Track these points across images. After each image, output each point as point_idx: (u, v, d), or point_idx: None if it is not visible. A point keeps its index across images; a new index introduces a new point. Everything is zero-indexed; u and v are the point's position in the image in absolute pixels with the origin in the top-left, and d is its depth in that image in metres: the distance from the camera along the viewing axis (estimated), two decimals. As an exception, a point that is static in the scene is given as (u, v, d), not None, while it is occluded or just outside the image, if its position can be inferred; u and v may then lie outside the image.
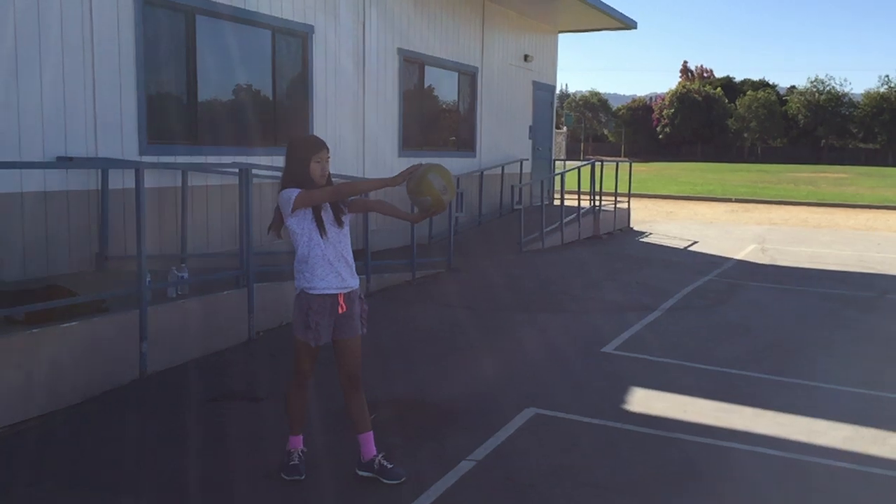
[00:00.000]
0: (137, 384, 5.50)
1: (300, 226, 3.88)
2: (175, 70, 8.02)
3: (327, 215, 3.91)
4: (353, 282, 3.99)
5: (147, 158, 7.52)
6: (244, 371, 6.03)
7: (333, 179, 4.04)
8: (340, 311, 3.94)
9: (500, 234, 12.83)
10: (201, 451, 4.45)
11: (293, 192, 3.83)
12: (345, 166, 10.18)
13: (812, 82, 72.45)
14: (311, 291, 3.91)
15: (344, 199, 4.02)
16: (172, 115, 8.08)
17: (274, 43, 9.20)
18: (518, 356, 6.61)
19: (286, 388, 4.18)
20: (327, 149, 3.95)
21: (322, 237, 3.89)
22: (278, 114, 9.40)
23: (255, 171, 6.99)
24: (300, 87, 9.71)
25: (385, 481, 3.99)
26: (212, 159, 8.29)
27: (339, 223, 3.94)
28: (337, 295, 3.93)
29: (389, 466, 4.03)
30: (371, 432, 4.09)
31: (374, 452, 4.06)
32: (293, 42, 9.53)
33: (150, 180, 6.96)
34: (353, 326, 4.00)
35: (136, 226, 5.61)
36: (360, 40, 10.69)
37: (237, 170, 7.07)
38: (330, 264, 3.91)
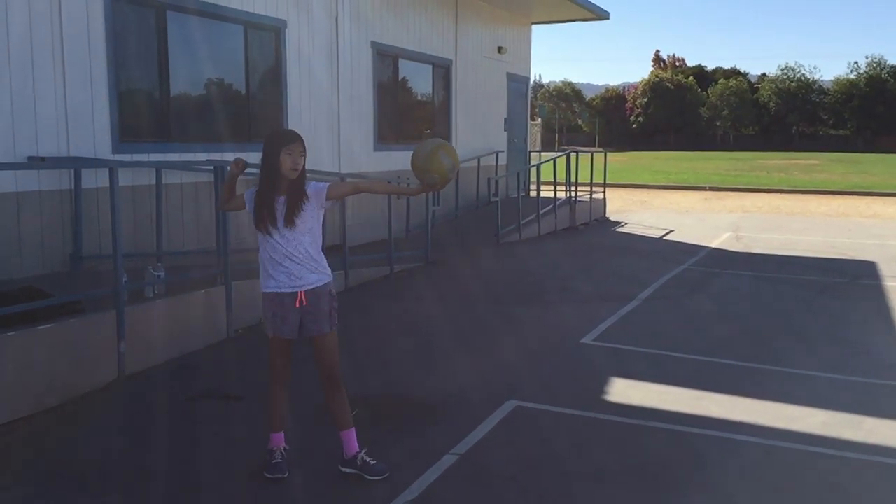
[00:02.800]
0: (116, 385, 5.45)
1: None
2: (147, 67, 7.93)
3: (279, 215, 3.87)
4: (313, 278, 3.94)
5: (120, 157, 7.44)
6: (224, 370, 6.00)
7: (309, 175, 4.02)
8: (297, 305, 3.92)
9: (477, 227, 12.85)
10: (183, 451, 4.43)
11: (322, 185, 3.92)
12: (320, 161, 10.14)
13: (782, 70, 73.11)
14: (262, 290, 3.99)
15: (354, 193, 4.11)
16: (145, 113, 8.00)
17: (246, 38, 9.13)
18: (497, 349, 6.64)
19: (268, 386, 4.18)
20: (300, 142, 3.90)
21: (266, 237, 3.90)
22: (252, 109, 9.34)
23: (229, 168, 6.92)
24: (274, 83, 9.65)
25: (368, 477, 4.00)
26: (186, 156, 8.21)
27: (290, 223, 3.86)
28: (294, 293, 3.91)
29: (372, 462, 4.04)
30: (353, 429, 4.09)
31: (357, 449, 4.07)
32: (266, 37, 9.46)
33: (124, 179, 6.87)
34: (320, 324, 3.97)
35: (110, 225, 5.55)
36: (333, 34, 10.63)
37: (212, 167, 7.02)
38: (277, 263, 3.91)
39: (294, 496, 3.95)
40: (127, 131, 7.60)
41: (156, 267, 6.29)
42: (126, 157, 7.53)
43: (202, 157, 8.33)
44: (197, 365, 6.01)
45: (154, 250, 7.37)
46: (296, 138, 3.91)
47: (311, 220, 3.93)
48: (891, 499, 4.06)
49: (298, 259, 3.90)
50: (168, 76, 8.09)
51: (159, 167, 7.50)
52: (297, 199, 3.87)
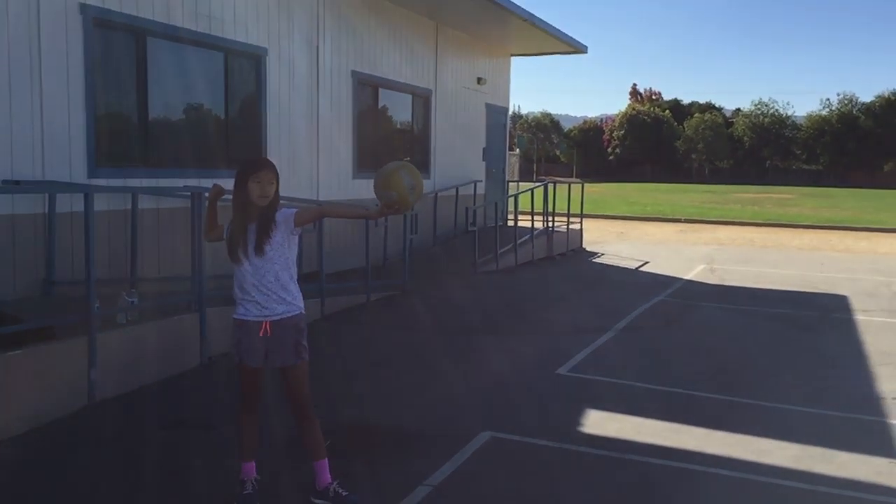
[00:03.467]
0: (86, 412, 5.36)
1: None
2: (125, 92, 7.91)
3: (250, 243, 3.85)
4: (280, 309, 3.90)
5: (96, 181, 7.39)
6: (197, 398, 5.92)
7: (286, 202, 4.01)
8: (262, 334, 3.89)
9: (455, 256, 12.87)
10: (152, 481, 4.35)
11: (290, 212, 3.89)
12: (299, 188, 10.13)
13: (756, 105, 74.44)
14: (233, 315, 3.99)
15: (319, 218, 4.04)
16: (122, 138, 7.96)
17: (227, 65, 9.15)
18: (473, 379, 6.62)
19: (237, 415, 4.13)
20: (269, 169, 3.88)
21: (238, 266, 3.90)
22: (231, 136, 9.33)
23: (206, 194, 6.90)
24: (253, 109, 9.66)
25: None
26: (162, 182, 8.17)
27: (260, 251, 3.84)
28: (259, 322, 3.89)
29: (344, 494, 3.99)
30: (325, 460, 4.05)
31: (329, 480, 4.03)
32: (246, 64, 9.48)
33: (100, 204, 6.83)
34: (284, 356, 3.93)
35: (84, 250, 5.50)
36: (314, 62, 10.68)
37: (189, 193, 6.99)
38: (246, 292, 3.90)
39: (265, 528, 3.89)
40: (103, 156, 7.55)
41: (129, 293, 6.23)
42: (102, 182, 7.47)
43: (179, 182, 8.30)
44: (170, 392, 5.94)
45: (128, 276, 7.31)
46: (264, 166, 3.90)
47: (282, 247, 3.90)
48: (862, 533, 4.07)
49: (266, 289, 3.87)
50: (147, 101, 8.07)
51: (135, 192, 7.46)
52: (266, 227, 3.85)
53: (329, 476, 4.04)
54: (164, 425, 5.21)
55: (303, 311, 4.02)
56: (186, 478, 4.42)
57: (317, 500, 4.02)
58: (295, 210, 3.96)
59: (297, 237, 3.99)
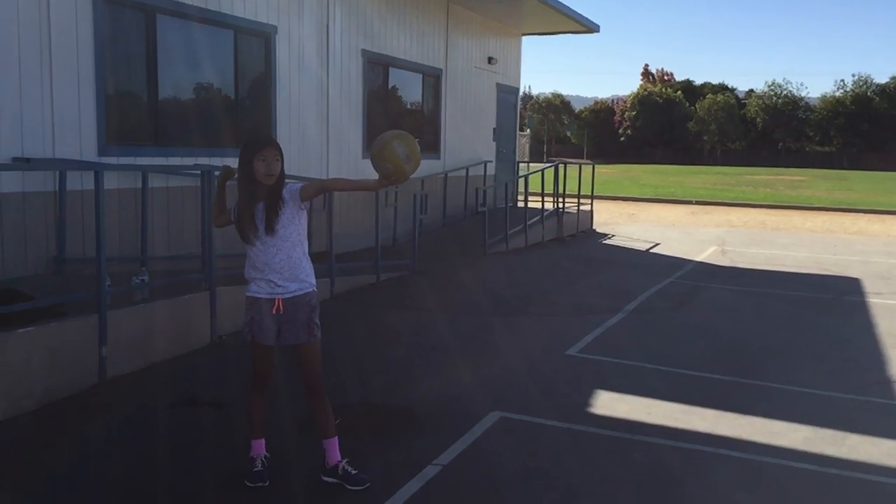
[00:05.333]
0: (97, 389, 5.39)
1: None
2: (135, 70, 7.89)
3: (260, 223, 3.84)
4: (292, 287, 3.89)
5: (106, 159, 7.39)
6: (207, 376, 5.94)
7: (288, 180, 3.98)
8: (274, 312, 3.89)
9: (465, 237, 12.84)
10: (161, 458, 4.38)
11: (296, 186, 3.86)
12: (308, 167, 10.11)
13: (770, 86, 73.82)
14: (245, 293, 3.98)
15: (324, 192, 4.01)
16: (132, 116, 7.95)
17: (236, 43, 9.11)
18: (482, 359, 6.62)
19: (247, 393, 4.14)
20: (273, 146, 3.85)
21: (248, 244, 3.88)
22: (240, 114, 9.31)
23: (216, 173, 6.89)
24: (263, 88, 9.62)
25: (349, 487, 3.96)
26: (172, 160, 8.17)
27: (271, 230, 3.82)
28: (271, 300, 3.89)
29: (353, 472, 4.00)
30: (335, 438, 4.06)
31: (339, 458, 4.04)
32: (256, 42, 9.44)
33: (110, 182, 6.84)
34: (297, 334, 3.92)
35: (95, 228, 5.50)
36: (323, 41, 10.62)
37: (199, 171, 6.98)
38: (258, 270, 3.89)
39: (274, 505, 3.91)
40: (114, 134, 7.55)
41: (140, 271, 6.24)
42: (112, 160, 7.47)
43: (189, 160, 8.29)
44: (180, 370, 5.96)
45: (138, 254, 7.32)
46: (268, 143, 3.86)
47: (292, 223, 3.87)
48: (873, 516, 4.06)
49: (278, 267, 3.86)
50: (156, 79, 8.05)
51: (145, 170, 7.46)
52: (274, 205, 3.83)
53: (339, 454, 4.05)
54: (175, 403, 5.23)
55: (315, 289, 4.01)
56: (196, 454, 4.44)
57: (326, 478, 4.04)
58: (300, 185, 3.93)
59: (305, 212, 3.97)
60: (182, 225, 8.15)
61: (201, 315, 6.55)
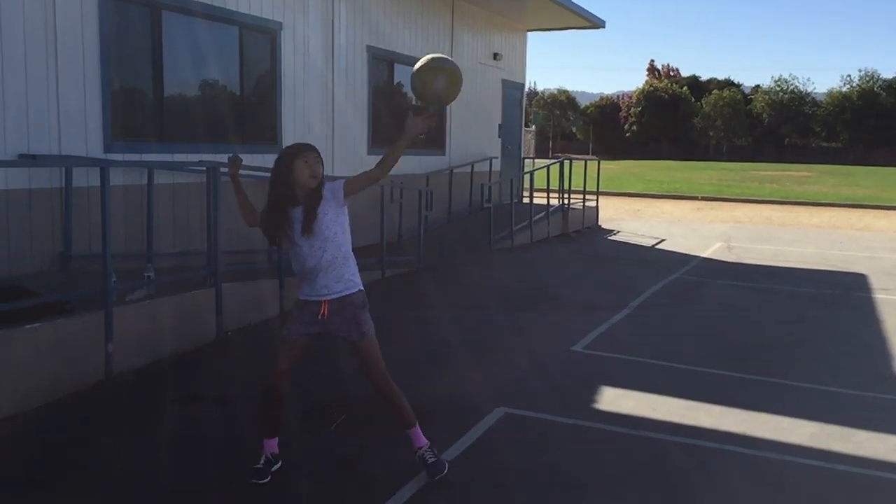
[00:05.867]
0: (103, 386, 5.40)
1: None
2: (141, 66, 7.90)
3: (297, 224, 3.81)
4: (338, 287, 3.87)
5: (112, 156, 7.40)
6: (212, 372, 5.95)
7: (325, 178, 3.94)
8: (320, 316, 3.88)
9: (470, 233, 12.84)
10: (166, 454, 4.38)
11: (338, 183, 3.83)
12: (314, 164, 10.10)
13: (776, 81, 73.52)
14: (298, 296, 3.96)
15: (373, 183, 3.90)
16: (138, 112, 7.96)
17: (242, 39, 9.10)
18: (488, 355, 6.62)
19: (266, 390, 4.12)
20: (314, 149, 3.85)
21: (293, 247, 3.87)
22: (246, 110, 9.31)
23: (222, 169, 6.90)
24: (269, 84, 9.62)
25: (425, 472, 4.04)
26: (178, 157, 8.18)
27: (308, 231, 3.78)
28: (318, 301, 3.87)
29: (430, 460, 4.04)
30: (415, 427, 4.08)
31: (421, 443, 4.08)
32: (261, 38, 9.44)
33: (116, 178, 6.85)
34: (347, 331, 3.93)
35: (101, 225, 5.51)
36: (329, 37, 10.62)
37: (204, 168, 6.99)
38: (306, 271, 3.87)
39: (279, 501, 3.91)
40: (120, 130, 7.56)
41: (146, 267, 6.25)
42: (118, 157, 7.49)
43: (195, 157, 8.30)
44: (185, 367, 5.97)
45: (144, 250, 7.33)
46: (309, 147, 3.86)
47: (334, 224, 3.83)
48: (879, 512, 4.04)
49: (320, 267, 3.83)
50: (162, 76, 8.06)
51: (151, 167, 7.46)
52: (315, 206, 3.79)
53: (422, 440, 4.08)
54: (180, 398, 5.25)
55: (361, 289, 3.98)
56: (200, 450, 4.45)
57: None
58: (342, 181, 3.89)
59: (346, 208, 3.91)
60: (187, 221, 8.16)
61: (207, 311, 6.56)
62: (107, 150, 7.40)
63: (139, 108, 7.99)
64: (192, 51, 8.47)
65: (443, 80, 3.72)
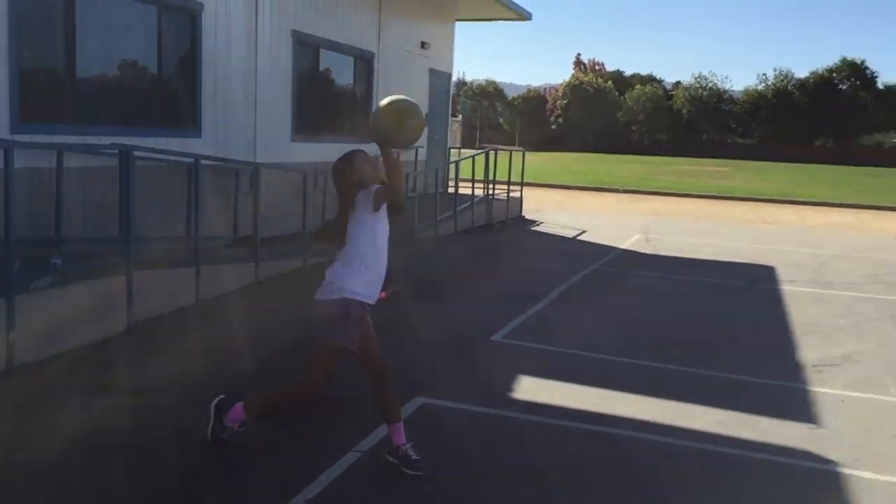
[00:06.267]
0: (3, 377, 5.17)
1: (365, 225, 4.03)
2: (53, 45, 7.56)
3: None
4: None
5: (19, 137, 7.07)
6: (123, 363, 5.77)
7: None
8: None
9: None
10: (73, 448, 4.23)
11: (371, 189, 3.90)
12: (233, 150, 9.87)
13: (696, 78, 75.50)
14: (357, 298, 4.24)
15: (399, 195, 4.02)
16: (49, 92, 7.62)
17: (160, 20, 8.81)
18: (406, 344, 6.60)
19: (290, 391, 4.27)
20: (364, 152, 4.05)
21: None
22: (163, 94, 9.02)
23: (136, 153, 6.69)
24: (188, 67, 9.34)
25: (404, 470, 4.03)
26: (91, 139, 7.87)
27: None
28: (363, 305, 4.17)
29: (413, 458, 4.05)
30: (398, 423, 4.14)
31: (401, 442, 4.10)
32: (181, 19, 9.15)
33: (22, 160, 6.54)
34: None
35: (3, 209, 5.26)
36: (252, 20, 10.38)
37: (117, 151, 6.75)
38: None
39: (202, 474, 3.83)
40: (28, 111, 7.21)
41: (53, 254, 6.01)
42: (25, 138, 7.16)
43: (109, 139, 7.99)
44: (93, 357, 5.77)
45: (52, 236, 7.04)
46: (357, 151, 4.23)
47: (352, 233, 4.05)
48: (780, 497, 4.21)
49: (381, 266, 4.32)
50: (75, 55, 7.73)
51: (61, 149, 7.16)
52: (343, 213, 4.04)
53: (401, 438, 4.10)
54: (88, 390, 5.07)
55: (332, 297, 4.31)
56: (111, 444, 4.31)
57: (389, 458, 4.11)
58: (376, 187, 3.92)
59: (367, 214, 4.04)
60: (100, 206, 7.86)
61: (118, 300, 6.34)
62: (14, 130, 7.05)
63: (50, 88, 7.64)
64: (108, 29, 8.15)
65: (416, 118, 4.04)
